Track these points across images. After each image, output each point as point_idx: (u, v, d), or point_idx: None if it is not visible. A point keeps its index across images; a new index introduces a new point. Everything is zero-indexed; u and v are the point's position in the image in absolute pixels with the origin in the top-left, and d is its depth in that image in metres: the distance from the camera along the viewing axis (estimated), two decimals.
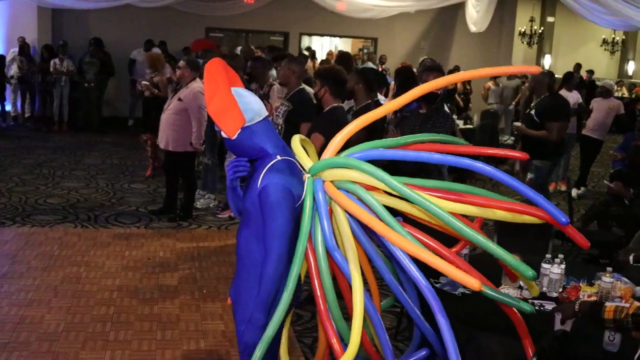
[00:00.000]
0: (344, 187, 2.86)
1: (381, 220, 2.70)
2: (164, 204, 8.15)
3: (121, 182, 9.74)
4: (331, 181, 2.90)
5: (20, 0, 13.56)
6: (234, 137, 2.76)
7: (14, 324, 4.95)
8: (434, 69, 5.95)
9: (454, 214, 2.67)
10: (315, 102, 6.19)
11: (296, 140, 3.11)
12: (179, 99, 7.51)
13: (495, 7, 14.49)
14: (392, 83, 9.71)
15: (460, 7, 15.79)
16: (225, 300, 5.55)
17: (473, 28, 15.00)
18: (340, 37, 19.89)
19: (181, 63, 7.68)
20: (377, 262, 3.04)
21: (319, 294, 2.91)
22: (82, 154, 11.73)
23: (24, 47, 14.40)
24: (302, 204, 2.82)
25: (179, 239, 7.23)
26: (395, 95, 9.47)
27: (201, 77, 7.78)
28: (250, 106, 2.77)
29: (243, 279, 2.87)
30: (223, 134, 2.79)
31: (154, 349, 4.71)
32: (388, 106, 3.22)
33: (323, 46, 21.12)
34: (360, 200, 2.80)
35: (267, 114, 2.85)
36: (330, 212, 2.92)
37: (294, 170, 2.81)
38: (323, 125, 5.24)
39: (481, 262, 3.45)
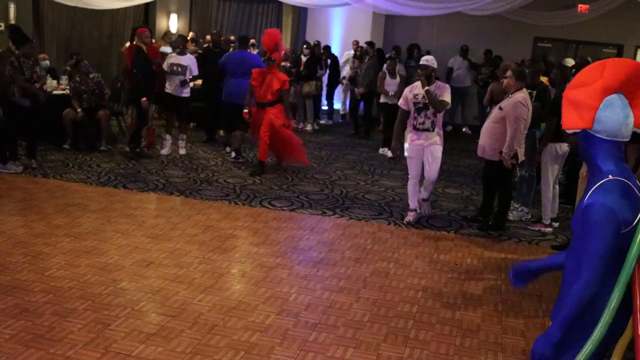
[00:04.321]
0: None
1: None
2: (477, 211, 8.12)
3: (436, 185, 9.89)
4: None
5: (357, 6, 14.40)
6: (568, 130, 2.68)
7: (325, 307, 5.28)
8: None
9: None
10: None
11: None
12: (500, 108, 7.43)
13: None
14: None
15: None
16: (529, 317, 5.39)
17: None
18: None
19: (508, 73, 7.54)
20: None
21: None
22: (400, 154, 12.11)
23: (357, 50, 15.31)
24: (634, 229, 2.55)
25: (487, 248, 7.15)
26: None
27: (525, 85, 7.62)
28: (607, 121, 2.60)
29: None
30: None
31: (451, 353, 4.70)
32: None
33: None
34: None
35: (625, 139, 2.65)
36: None
37: (627, 192, 2.58)
38: None
39: None
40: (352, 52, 15.38)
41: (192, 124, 13.10)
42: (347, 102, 16.11)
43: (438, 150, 7.67)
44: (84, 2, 13.00)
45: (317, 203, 8.37)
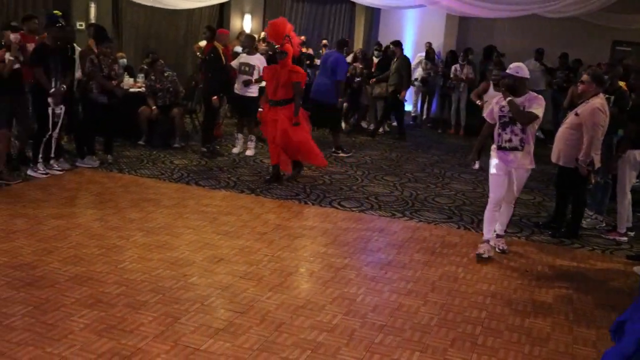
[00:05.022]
0: None
1: None
2: (549, 217, 7.95)
3: None
4: None
5: (431, 8, 14.27)
6: None
7: (392, 310, 5.26)
8: None
9: None
10: None
11: None
12: (576, 114, 7.25)
13: None
14: None
15: None
16: (601, 327, 5.24)
17: None
18: None
19: (585, 77, 7.32)
20: None
21: None
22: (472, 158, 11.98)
23: (429, 51, 15.21)
24: None
25: (559, 255, 7.00)
26: None
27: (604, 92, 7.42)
28: None
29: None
30: None
31: None
32: None
33: None
34: None
35: None
36: None
37: None
38: None
39: None
40: (424, 53, 15.29)
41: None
42: (419, 104, 16.02)
43: (526, 176, 6.73)
44: (160, 2, 13.32)
45: (386, 205, 8.35)
